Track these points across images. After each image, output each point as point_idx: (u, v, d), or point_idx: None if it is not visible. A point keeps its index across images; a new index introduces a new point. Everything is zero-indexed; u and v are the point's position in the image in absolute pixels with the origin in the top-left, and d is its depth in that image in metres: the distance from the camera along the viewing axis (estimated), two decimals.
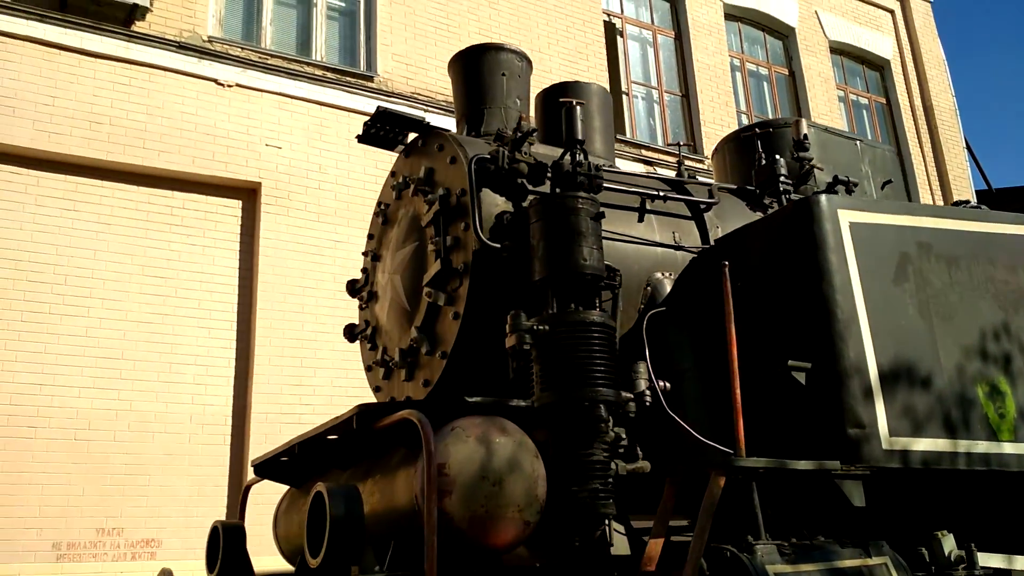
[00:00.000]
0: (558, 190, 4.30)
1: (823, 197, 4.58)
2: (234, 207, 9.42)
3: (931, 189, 17.60)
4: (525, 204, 4.43)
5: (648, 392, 4.32)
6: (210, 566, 4.45)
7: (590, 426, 3.75)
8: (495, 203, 4.48)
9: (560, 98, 5.02)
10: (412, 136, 5.28)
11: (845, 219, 4.59)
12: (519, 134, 4.56)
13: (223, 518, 6.60)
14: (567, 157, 4.37)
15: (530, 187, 4.60)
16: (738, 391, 3.83)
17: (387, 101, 10.37)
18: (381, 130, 5.23)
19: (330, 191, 9.81)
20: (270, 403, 8.52)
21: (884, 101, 18.26)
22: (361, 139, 5.27)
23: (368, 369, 5.16)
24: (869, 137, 17.38)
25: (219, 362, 8.72)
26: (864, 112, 18.14)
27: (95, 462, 7.93)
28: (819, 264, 4.38)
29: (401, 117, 5.10)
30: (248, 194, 9.60)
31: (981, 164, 21.50)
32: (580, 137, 4.52)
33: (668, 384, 4.47)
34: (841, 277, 4.36)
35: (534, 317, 3.96)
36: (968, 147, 18.82)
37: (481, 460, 3.47)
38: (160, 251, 8.84)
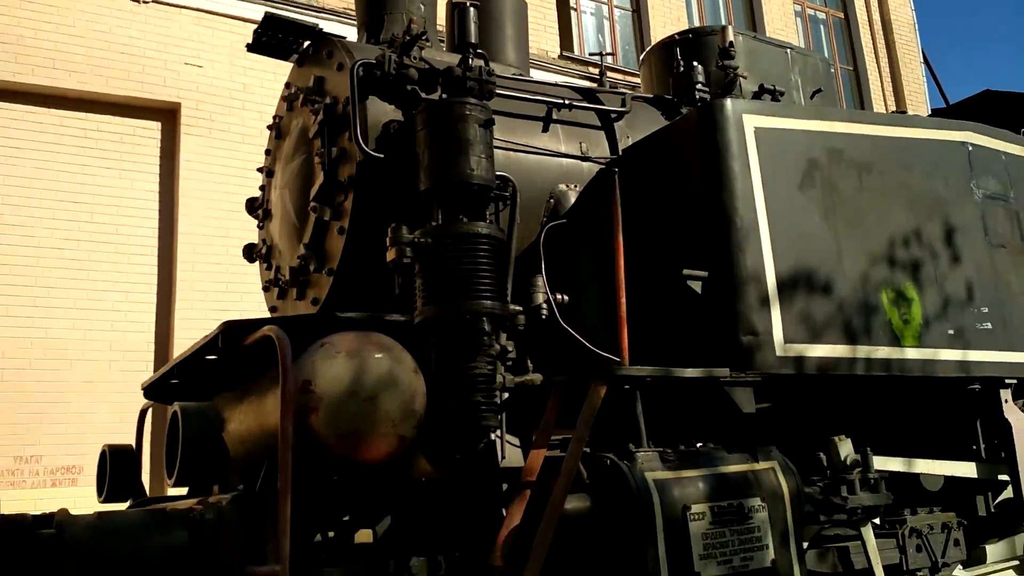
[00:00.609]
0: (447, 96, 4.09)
1: (727, 101, 4.42)
2: (152, 129, 9.06)
3: (886, 105, 17.49)
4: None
5: (545, 306, 4.21)
6: (99, 490, 4.34)
7: (472, 339, 3.64)
8: (383, 112, 4.26)
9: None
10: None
11: (750, 124, 4.44)
12: (408, 38, 4.32)
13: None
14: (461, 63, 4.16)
15: (423, 95, 4.38)
16: (623, 300, 3.72)
17: (314, 16, 9.94)
18: (272, 38, 4.95)
19: (255, 112, 9.45)
20: (194, 329, 8.32)
21: (842, 16, 17.99)
22: (251, 48, 5.00)
23: (265, 289, 5.00)
24: (826, 53, 17.14)
25: (140, 288, 8.50)
26: (821, 27, 17.87)
27: (10, 390, 7.75)
28: (720, 171, 4.24)
29: (290, 23, 4.83)
30: (167, 116, 9.24)
31: (939, 79, 21.30)
32: (473, 40, 4.30)
33: (566, 297, 4.36)
34: (743, 184, 4.24)
35: (419, 230, 3.80)
36: (926, 61, 18.67)
37: (352, 376, 3.35)
38: (74, 176, 8.51)
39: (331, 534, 4.21)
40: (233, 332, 3.50)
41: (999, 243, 5.09)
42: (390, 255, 3.70)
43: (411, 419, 3.47)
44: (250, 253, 5.14)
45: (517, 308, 3.94)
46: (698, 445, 3.86)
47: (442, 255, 3.71)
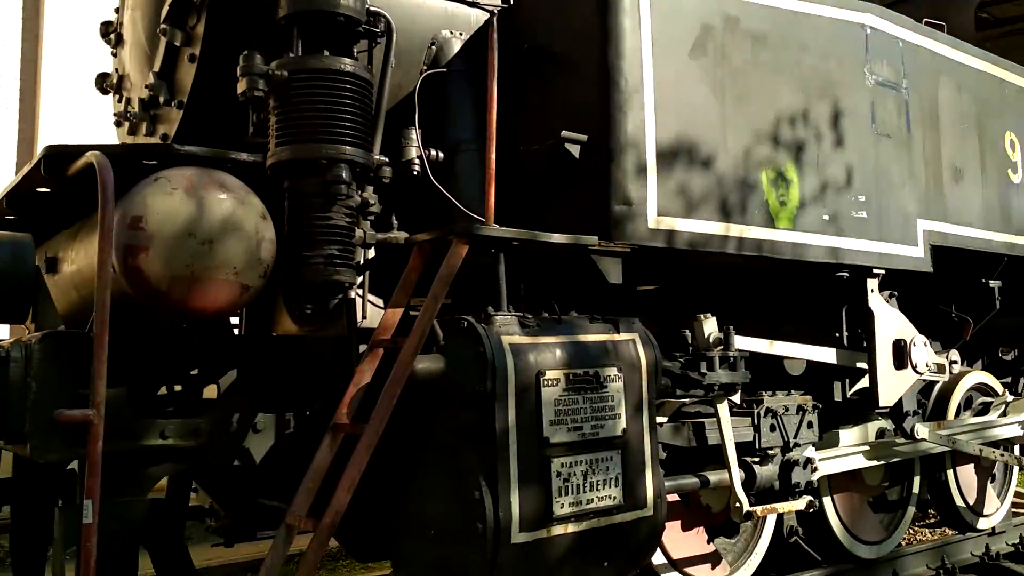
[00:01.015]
0: None
1: None
2: None
3: None
4: None
5: (417, 161, 3.96)
6: None
7: (328, 187, 3.38)
8: None
9: None
10: None
11: None
12: None
13: None
14: None
15: None
16: (492, 157, 3.51)
17: None
18: None
19: None
20: None
21: None
22: None
23: (117, 125, 4.57)
24: None
25: None
26: None
27: None
28: (608, 27, 3.99)
29: None
30: None
31: None
32: None
33: (441, 154, 4.12)
34: (631, 44, 4.00)
35: (276, 61, 3.46)
36: None
37: (188, 216, 3.07)
38: None
39: (178, 388, 4.01)
40: (56, 160, 3.15)
41: (884, 132, 5.04)
42: (241, 86, 3.37)
43: (256, 267, 3.23)
44: (102, 83, 4.67)
45: (382, 159, 3.69)
46: (573, 314, 3.76)
47: (299, 91, 3.40)
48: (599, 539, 3.57)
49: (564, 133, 3.84)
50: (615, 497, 3.60)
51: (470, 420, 3.37)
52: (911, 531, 7.55)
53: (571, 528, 3.47)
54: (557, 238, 3.62)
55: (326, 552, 6.85)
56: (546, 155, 3.95)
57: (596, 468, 3.55)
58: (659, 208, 3.95)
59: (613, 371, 3.65)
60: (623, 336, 3.77)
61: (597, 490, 3.54)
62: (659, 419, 4.62)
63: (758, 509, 4.46)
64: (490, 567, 3.27)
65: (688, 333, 4.35)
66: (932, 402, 6.24)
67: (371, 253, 3.96)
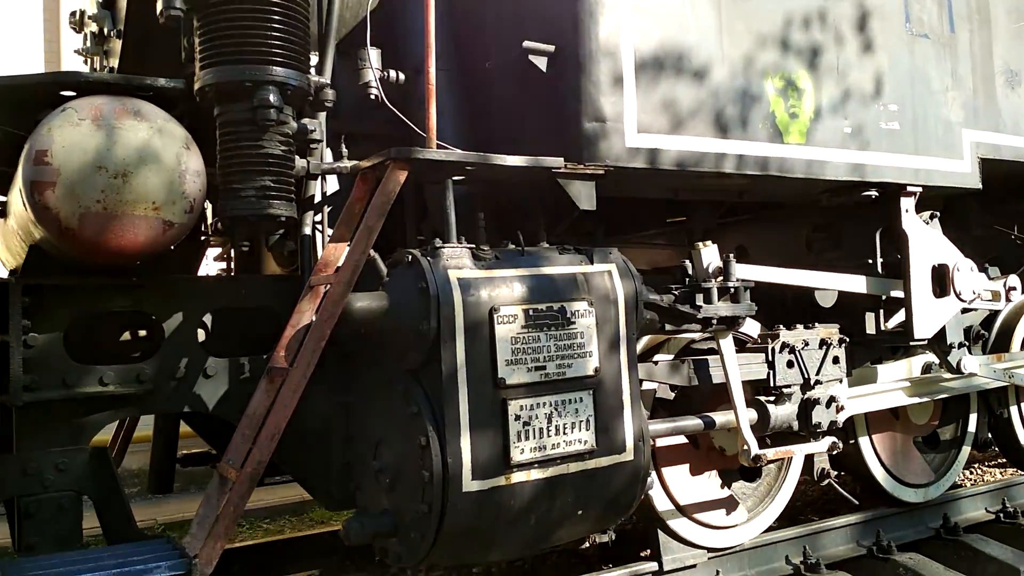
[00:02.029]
0: None
1: None
2: None
3: None
4: None
5: (373, 83, 3.66)
6: None
7: (256, 112, 3.12)
8: None
9: None
10: None
11: None
12: None
13: None
14: None
15: None
16: (431, 69, 3.18)
17: None
18: None
19: None
20: None
21: None
22: None
23: (84, 62, 4.41)
24: None
25: None
26: None
27: None
28: None
29: None
30: None
31: None
32: None
33: (403, 76, 3.80)
34: None
35: None
36: None
37: (98, 147, 2.87)
38: None
39: (128, 336, 3.88)
40: None
41: (921, 32, 4.47)
42: (159, 5, 3.12)
43: (179, 202, 3.01)
44: (72, 20, 4.50)
45: (321, 81, 3.41)
46: (543, 245, 3.45)
47: (222, 9, 3.13)
48: (570, 487, 3.29)
49: (527, 44, 3.48)
50: (586, 441, 3.30)
51: (415, 362, 3.11)
52: (976, 472, 7.01)
53: (535, 475, 3.19)
54: (513, 161, 3.29)
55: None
56: (512, 70, 3.60)
57: (563, 410, 3.25)
58: (639, 124, 3.55)
59: (582, 305, 3.32)
60: (597, 267, 3.43)
61: (564, 434, 3.26)
62: (663, 357, 4.28)
63: (768, 452, 4.09)
64: (439, 516, 3.03)
65: (687, 262, 3.96)
66: (995, 333, 5.66)
67: (334, 186, 3.72)
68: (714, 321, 3.82)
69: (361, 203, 3.25)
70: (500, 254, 3.29)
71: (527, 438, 3.17)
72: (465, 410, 3.06)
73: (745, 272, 4.09)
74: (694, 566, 4.42)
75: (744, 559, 4.61)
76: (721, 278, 3.88)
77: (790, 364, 4.30)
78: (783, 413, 4.24)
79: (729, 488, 4.58)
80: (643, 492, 3.54)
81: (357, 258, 2.95)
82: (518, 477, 3.16)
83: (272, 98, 3.13)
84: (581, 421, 3.29)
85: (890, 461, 5.19)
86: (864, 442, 5.09)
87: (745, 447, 4.02)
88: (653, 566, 4.30)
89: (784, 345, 4.28)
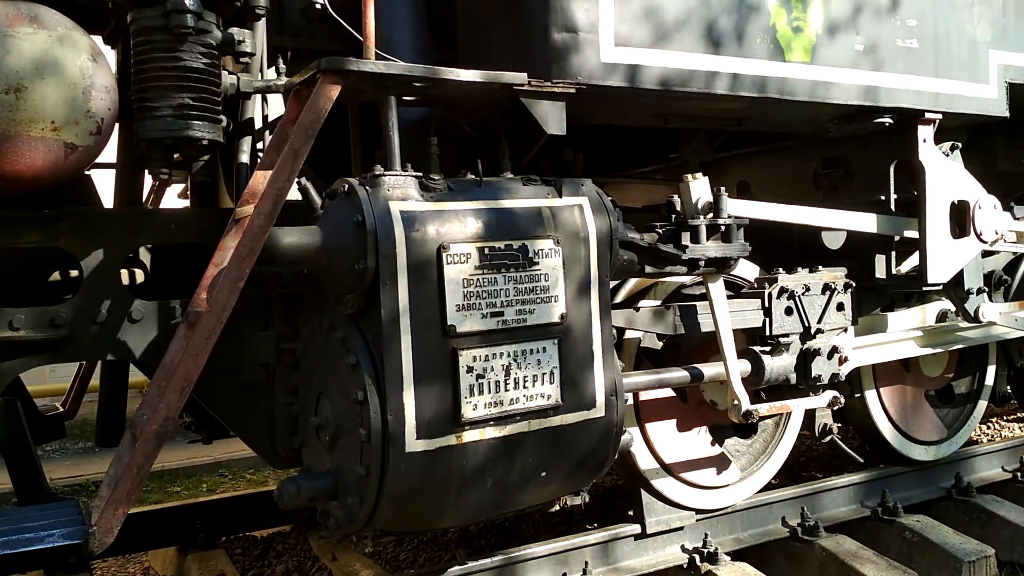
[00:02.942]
0: None
1: None
2: None
3: None
4: None
5: None
6: None
7: (171, 18, 2.71)
8: None
9: None
10: None
11: None
12: None
13: None
14: None
15: None
16: None
17: None
18: None
19: None
20: None
21: None
22: None
23: None
24: None
25: None
26: None
27: None
28: None
29: None
30: None
31: None
32: None
33: None
34: None
35: None
36: None
37: None
38: None
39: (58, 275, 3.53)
40: None
41: None
42: None
43: (84, 122, 2.64)
44: None
45: None
46: (506, 175, 3.04)
47: None
48: (532, 446, 2.93)
49: None
50: (550, 396, 2.94)
51: (353, 306, 2.74)
52: (993, 427, 6.63)
53: (490, 434, 2.84)
54: (467, 76, 2.86)
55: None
56: None
57: (523, 361, 2.89)
58: (617, 36, 3.11)
59: (548, 244, 2.93)
60: (566, 201, 3.02)
61: (524, 388, 2.89)
62: (649, 303, 3.89)
63: (761, 408, 3.71)
64: (379, 479, 2.69)
65: (676, 199, 3.55)
66: (1019, 279, 5.22)
67: (278, 108, 3.33)
68: (701, 263, 3.42)
69: (292, 124, 2.84)
70: (453, 184, 2.89)
71: (481, 392, 2.80)
72: (408, 361, 2.69)
73: (740, 208, 3.67)
74: (680, 528, 4.08)
75: (736, 521, 4.27)
76: (711, 214, 3.47)
77: (788, 311, 3.90)
78: (779, 365, 3.85)
79: (721, 445, 4.23)
80: (616, 452, 3.18)
81: (279, 186, 2.57)
82: (470, 436, 2.81)
83: (189, 4, 2.71)
84: (544, 374, 2.92)
85: (899, 416, 4.81)
86: (871, 396, 4.70)
87: (735, 402, 3.65)
88: (635, 528, 3.97)
89: (782, 290, 3.88)
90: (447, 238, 2.75)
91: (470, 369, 2.79)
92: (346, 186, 2.76)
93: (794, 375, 3.90)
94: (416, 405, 2.70)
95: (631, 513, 4.10)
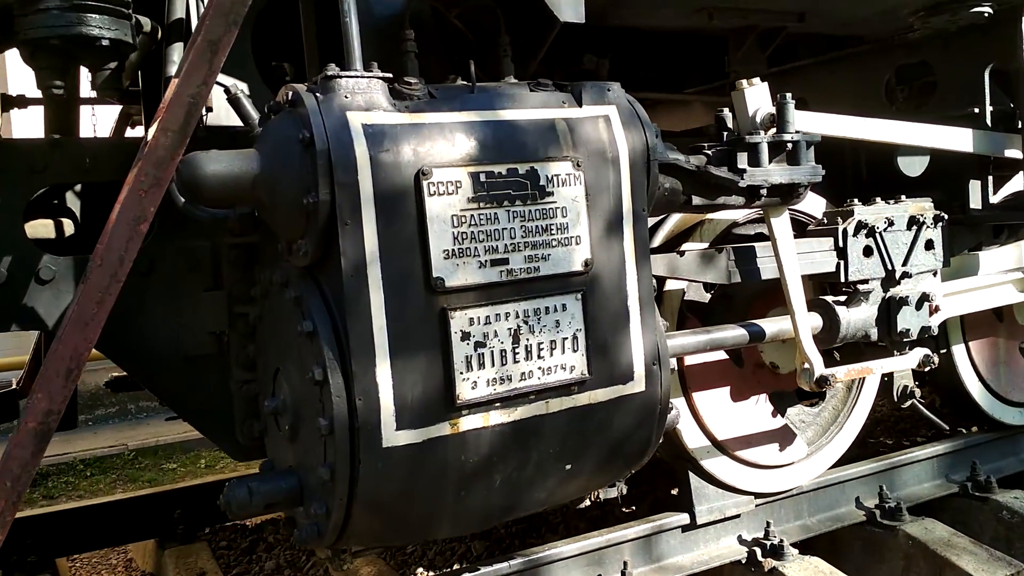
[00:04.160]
0: None
1: None
2: None
3: None
4: None
5: None
6: None
7: None
8: None
9: None
10: None
11: None
12: None
13: None
14: None
15: None
16: None
17: None
18: None
19: None
20: None
21: None
22: None
23: None
24: None
25: None
26: None
27: None
28: None
29: None
30: None
31: None
32: None
33: None
34: None
35: None
36: None
37: None
38: None
39: None
40: None
41: None
42: None
43: None
44: None
45: None
46: (509, 79, 2.33)
47: None
48: (551, 433, 2.25)
49: None
50: (574, 367, 2.25)
51: (306, 255, 2.06)
52: None
53: (496, 419, 2.16)
54: None
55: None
56: None
57: (536, 324, 2.19)
58: None
59: (565, 167, 2.22)
60: (588, 111, 2.30)
61: (539, 358, 2.20)
62: (694, 246, 3.17)
63: (838, 371, 3.00)
64: (348, 484, 2.03)
65: (728, 113, 2.80)
66: None
67: None
68: (763, 191, 2.69)
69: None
70: (437, 91, 2.18)
71: (482, 366, 2.12)
72: (381, 326, 2.01)
73: (808, 123, 2.91)
74: (737, 516, 3.40)
75: (802, 504, 3.58)
76: (774, 130, 2.73)
77: (868, 251, 3.17)
78: (858, 318, 3.13)
79: (783, 416, 3.52)
80: (660, 434, 2.50)
81: (192, 92, 1.87)
82: (470, 422, 2.13)
83: None
84: (565, 339, 2.23)
85: (990, 374, 4.07)
86: (958, 351, 3.98)
87: (806, 365, 2.94)
88: (683, 518, 3.30)
89: (861, 226, 3.14)
90: (429, 161, 2.05)
91: (466, 336, 2.10)
92: (290, 94, 2.06)
93: (875, 330, 3.17)
94: (395, 385, 2.02)
95: (676, 496, 3.43)
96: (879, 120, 3.20)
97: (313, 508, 2.12)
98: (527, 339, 2.18)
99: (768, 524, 3.38)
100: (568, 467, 2.33)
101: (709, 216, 3.21)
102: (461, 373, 2.10)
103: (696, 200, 2.58)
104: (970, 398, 4.03)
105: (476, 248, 2.10)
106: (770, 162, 2.71)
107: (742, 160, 2.67)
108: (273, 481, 2.24)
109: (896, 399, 3.64)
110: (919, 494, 3.86)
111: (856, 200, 3.23)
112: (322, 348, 2.00)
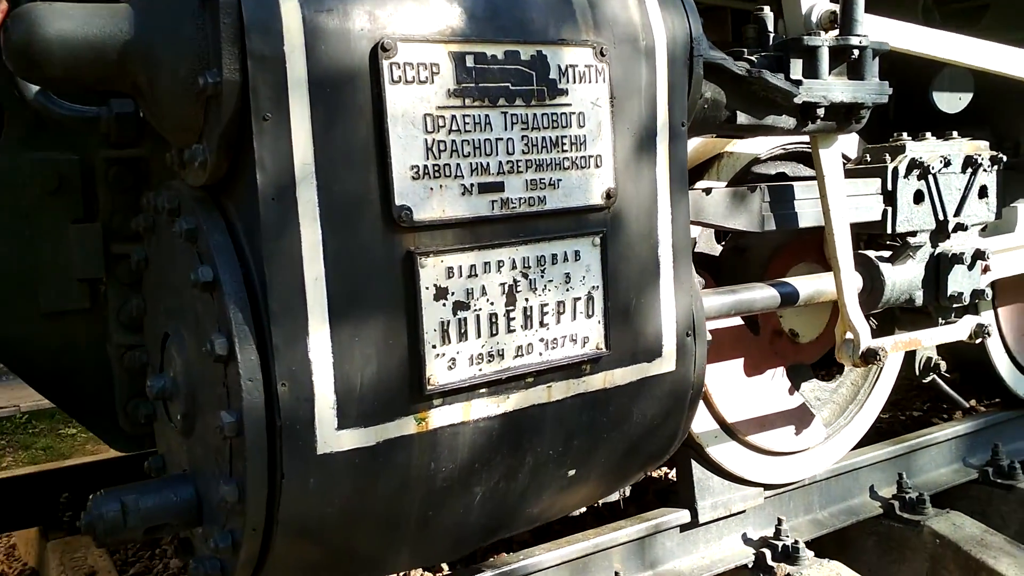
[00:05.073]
0: None
1: None
2: None
3: None
4: None
5: None
6: None
7: None
8: None
9: None
10: None
11: None
12: None
13: None
14: None
15: None
16: None
17: None
18: None
19: None
20: None
21: None
22: None
23: None
24: None
25: None
26: None
27: None
28: None
29: None
30: None
31: None
32: None
33: None
34: None
35: None
36: None
37: None
38: None
39: None
40: None
41: None
42: None
43: None
44: None
45: None
46: None
47: None
48: (555, 428, 1.63)
49: None
50: (586, 339, 1.61)
51: (203, 167, 1.37)
52: None
53: (481, 410, 1.52)
54: None
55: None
56: None
57: (540, 278, 1.55)
58: None
59: (584, 56, 1.56)
60: None
61: (543, 325, 1.56)
62: (709, 184, 2.55)
63: (888, 342, 2.43)
64: (266, 507, 1.38)
65: (768, 14, 2.16)
66: None
67: None
68: (819, 112, 2.07)
69: None
70: None
71: (464, 336, 1.47)
72: (318, 277, 1.35)
73: (874, 29, 2.29)
74: (742, 512, 2.84)
75: (813, 496, 3.04)
76: (835, 32, 2.10)
77: (919, 197, 2.59)
78: (903, 278, 2.57)
79: (798, 392, 2.96)
80: (689, 425, 1.89)
81: None
82: (445, 416, 1.49)
83: None
84: (577, 300, 1.59)
85: (1018, 346, 3.57)
86: (986, 318, 3.45)
87: (849, 336, 2.36)
88: (682, 515, 2.72)
89: (913, 165, 2.56)
90: (392, 31, 1.37)
91: (442, 293, 1.45)
92: None
93: (920, 292, 2.62)
94: (336, 364, 1.37)
95: (673, 489, 2.85)
96: (967, 38, 2.60)
97: (215, 539, 1.46)
98: (526, 299, 1.53)
99: (780, 522, 2.82)
100: (571, 473, 1.71)
101: (729, 148, 2.59)
102: (434, 347, 1.45)
103: (741, 118, 1.95)
104: (995, 372, 3.53)
105: (458, 166, 1.44)
106: (829, 73, 2.08)
107: (795, 69, 2.04)
108: (158, 493, 1.57)
109: (918, 372, 3.12)
110: (937, 481, 3.37)
111: (905, 134, 2.65)
112: (226, 307, 1.32)
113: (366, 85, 1.35)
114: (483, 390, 1.51)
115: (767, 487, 2.87)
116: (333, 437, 1.38)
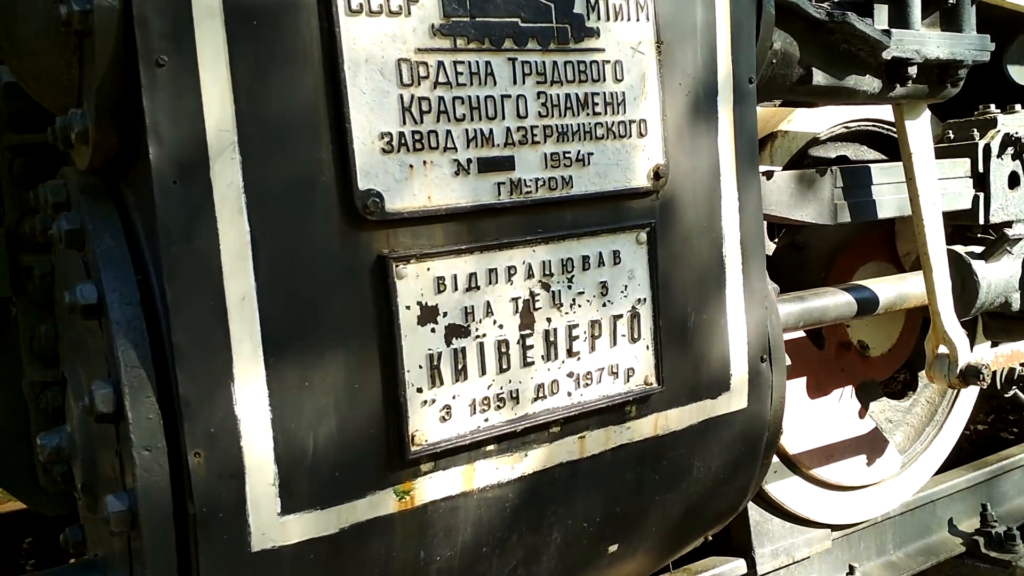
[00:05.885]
0: None
1: None
2: None
3: None
4: None
5: None
6: None
7: None
8: None
9: None
10: None
11: None
12: None
13: None
14: None
15: None
16: None
17: None
18: None
19: None
20: None
21: None
22: None
23: None
24: None
25: None
26: None
27: None
28: None
29: None
30: None
31: None
32: None
33: None
34: None
35: None
36: None
37: None
38: None
39: None
40: None
41: None
42: None
43: None
44: None
45: None
46: None
47: None
48: (589, 491, 1.19)
49: None
50: (631, 371, 1.18)
51: (82, 138, 0.95)
52: None
53: (489, 475, 1.09)
54: None
55: None
56: None
57: (567, 290, 1.12)
58: None
59: None
60: None
61: (572, 355, 1.13)
62: (768, 167, 2.11)
63: (987, 357, 1.98)
64: None
65: None
66: None
67: None
68: (911, 69, 1.63)
69: None
70: None
71: (462, 375, 1.05)
72: (246, 296, 0.92)
73: None
74: (807, 558, 2.39)
75: (886, 533, 2.59)
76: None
77: (1014, 180, 2.15)
78: (999, 277, 2.12)
79: (868, 415, 2.50)
80: (764, 475, 1.45)
81: None
82: (436, 487, 1.06)
83: None
84: (618, 318, 1.16)
85: None
86: None
87: (943, 349, 1.92)
88: (736, 567, 2.27)
89: (1008, 141, 2.12)
90: None
91: (429, 313, 1.02)
92: None
93: (1017, 295, 2.17)
94: (275, 421, 0.94)
95: (726, 536, 2.40)
96: None
97: None
98: (548, 319, 1.11)
99: (851, 569, 2.37)
100: (612, 548, 1.28)
101: (783, 126, 2.16)
102: (420, 391, 1.02)
103: (818, 77, 1.51)
104: None
105: (448, 134, 1.02)
106: (922, 22, 1.65)
107: (880, 17, 1.61)
108: None
109: (999, 386, 2.67)
110: (1020, 511, 2.91)
111: (993, 106, 2.21)
112: (113, 342, 0.90)
113: (312, 15, 0.93)
114: (491, 447, 1.09)
115: (834, 528, 2.42)
116: (275, 526, 0.96)
